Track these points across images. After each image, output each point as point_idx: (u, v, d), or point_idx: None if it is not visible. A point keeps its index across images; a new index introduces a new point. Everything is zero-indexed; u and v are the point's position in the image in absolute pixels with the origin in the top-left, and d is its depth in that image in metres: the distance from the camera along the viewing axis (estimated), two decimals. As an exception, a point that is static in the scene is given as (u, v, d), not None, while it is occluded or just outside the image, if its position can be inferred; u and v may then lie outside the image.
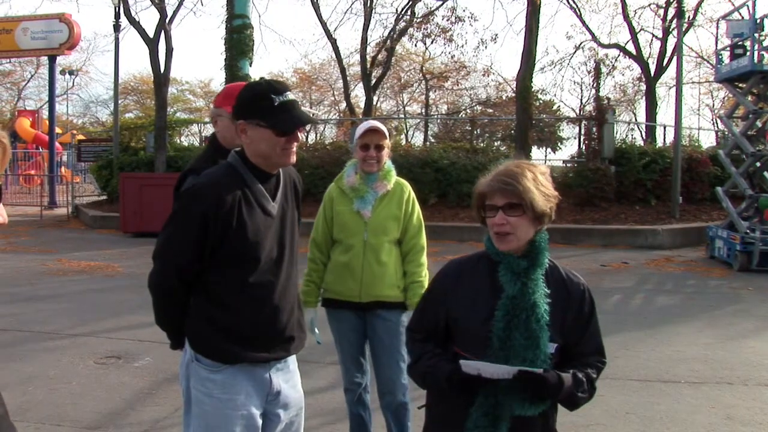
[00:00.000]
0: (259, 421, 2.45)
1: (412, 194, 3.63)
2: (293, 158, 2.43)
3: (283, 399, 2.52)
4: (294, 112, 2.36)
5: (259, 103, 2.34)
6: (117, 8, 18.88)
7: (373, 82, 24.88)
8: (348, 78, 26.28)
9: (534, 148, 28.06)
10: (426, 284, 3.39)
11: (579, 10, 24.25)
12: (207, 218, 2.29)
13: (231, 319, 2.38)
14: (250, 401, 2.42)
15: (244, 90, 2.45)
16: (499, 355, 2.05)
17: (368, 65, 24.17)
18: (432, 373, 2.14)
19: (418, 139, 40.19)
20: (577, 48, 27.54)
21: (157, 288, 2.44)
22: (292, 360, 2.61)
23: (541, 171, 2.14)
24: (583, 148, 16.84)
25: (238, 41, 15.43)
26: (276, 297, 2.44)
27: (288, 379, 2.56)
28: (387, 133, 3.52)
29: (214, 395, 2.39)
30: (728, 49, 12.60)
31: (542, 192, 2.09)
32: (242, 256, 2.36)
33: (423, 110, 40.32)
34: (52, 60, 22.54)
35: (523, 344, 2.04)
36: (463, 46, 26.24)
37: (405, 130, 41.25)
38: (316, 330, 3.62)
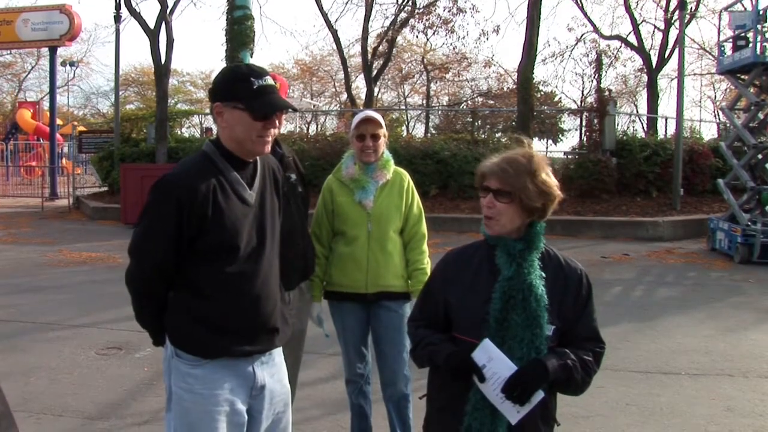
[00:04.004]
0: (245, 417, 2.37)
1: (411, 183, 3.63)
2: (268, 148, 2.37)
3: (268, 394, 2.43)
4: (273, 96, 2.31)
5: (237, 85, 2.29)
6: (117, -1, 18.83)
7: (374, 73, 24.81)
8: (349, 69, 26.19)
9: (535, 140, 28.01)
10: (429, 271, 3.40)
11: (581, 2, 24.19)
12: (181, 209, 2.23)
13: (211, 311, 2.31)
14: (233, 396, 2.33)
15: (223, 72, 2.39)
16: (496, 336, 2.08)
17: (369, 56, 24.09)
18: (436, 352, 2.16)
19: (419, 131, 40.20)
20: (578, 39, 27.52)
21: (135, 284, 2.38)
22: (278, 353, 2.52)
23: (544, 165, 2.15)
24: (585, 139, 16.80)
25: (239, 32, 15.35)
26: (257, 287, 2.36)
27: (273, 372, 2.47)
28: (383, 122, 3.51)
29: (195, 391, 2.30)
30: (731, 40, 12.55)
31: (539, 188, 2.11)
32: (220, 245, 2.29)
33: (424, 101, 40.21)
34: (52, 51, 22.49)
35: (521, 325, 2.08)
36: (464, 37, 26.22)
37: (406, 122, 41.20)
38: (324, 324, 3.61)
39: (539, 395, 2.05)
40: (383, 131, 3.50)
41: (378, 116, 3.49)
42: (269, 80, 2.32)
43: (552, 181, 2.15)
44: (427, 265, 3.52)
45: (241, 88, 2.28)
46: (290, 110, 2.44)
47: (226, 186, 2.31)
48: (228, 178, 2.33)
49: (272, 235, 2.45)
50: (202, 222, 2.26)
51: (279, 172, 2.60)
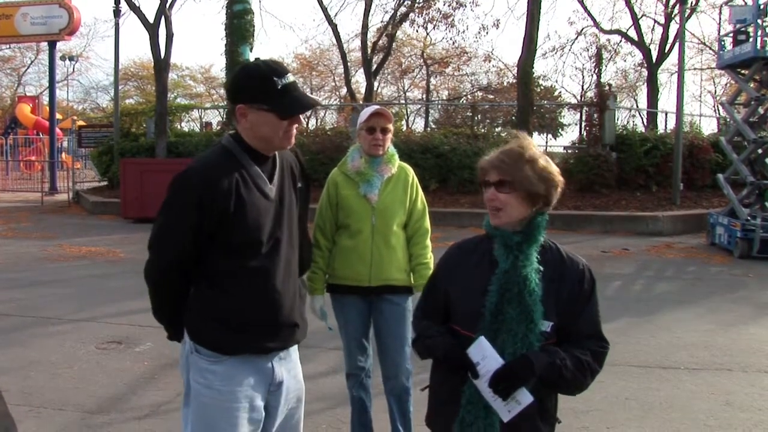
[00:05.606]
0: (262, 414, 2.37)
1: (416, 178, 3.65)
2: (293, 140, 2.38)
3: (284, 390, 2.43)
4: (296, 94, 2.29)
5: (261, 86, 2.26)
6: (117, -7, 18.79)
7: (374, 67, 24.83)
8: (349, 63, 26.17)
9: (535, 134, 28.05)
10: (432, 266, 3.42)
11: (581, -5, 24.12)
12: (202, 203, 2.21)
13: (232, 307, 2.30)
14: (253, 393, 2.33)
15: (243, 73, 2.35)
16: (490, 329, 2.08)
17: (369, 51, 24.09)
18: (434, 345, 2.19)
19: (419, 125, 40.17)
20: (578, 34, 27.45)
21: (153, 279, 2.36)
22: (294, 349, 2.52)
23: (540, 155, 2.16)
24: (584, 134, 16.80)
25: (239, 27, 15.38)
26: (278, 282, 2.34)
27: (290, 368, 2.47)
28: (392, 118, 3.55)
29: (215, 387, 2.29)
30: (731, 35, 12.54)
31: (539, 174, 2.12)
32: (243, 240, 2.28)
33: (424, 96, 40.17)
34: (52, 45, 22.46)
35: (516, 318, 2.07)
36: (464, 31, 26.18)
37: (406, 116, 41.16)
38: (327, 317, 3.62)
39: (528, 398, 2.03)
40: (391, 126, 3.55)
41: (388, 111, 3.53)
42: (290, 77, 2.29)
43: (553, 167, 2.16)
44: (430, 259, 3.53)
45: (265, 89, 2.25)
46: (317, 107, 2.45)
47: (248, 180, 2.30)
48: (249, 172, 2.31)
49: (290, 230, 2.44)
50: (223, 217, 2.24)
51: (296, 167, 2.57)
